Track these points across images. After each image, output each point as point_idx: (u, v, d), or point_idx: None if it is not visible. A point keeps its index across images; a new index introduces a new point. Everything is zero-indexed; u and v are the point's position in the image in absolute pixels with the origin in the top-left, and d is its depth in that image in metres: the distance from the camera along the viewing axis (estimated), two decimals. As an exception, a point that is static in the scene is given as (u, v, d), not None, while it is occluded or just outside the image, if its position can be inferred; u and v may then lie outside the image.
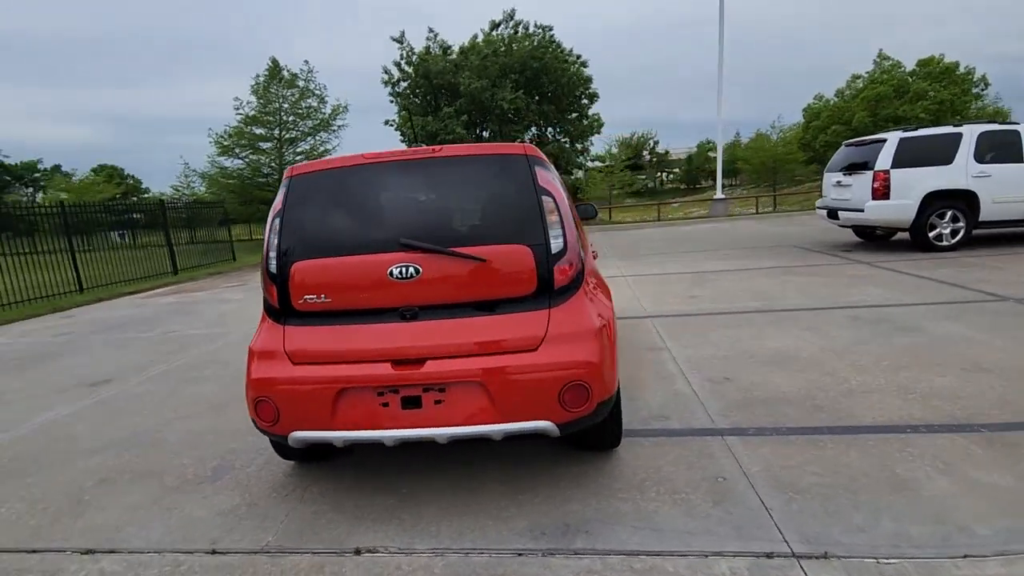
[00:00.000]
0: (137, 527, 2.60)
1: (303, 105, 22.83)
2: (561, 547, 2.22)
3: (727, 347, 4.61)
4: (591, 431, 2.63)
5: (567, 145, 20.81)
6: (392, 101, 19.82)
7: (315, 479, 2.91)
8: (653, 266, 9.50)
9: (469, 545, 2.28)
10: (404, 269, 2.40)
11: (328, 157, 2.55)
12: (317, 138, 23.52)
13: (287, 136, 23.05)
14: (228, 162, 22.79)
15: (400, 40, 18.53)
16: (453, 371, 2.34)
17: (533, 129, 21.12)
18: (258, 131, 22.72)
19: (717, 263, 9.21)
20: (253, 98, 22.49)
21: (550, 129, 21.15)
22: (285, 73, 22.83)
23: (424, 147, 2.55)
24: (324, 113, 23.37)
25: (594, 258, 3.80)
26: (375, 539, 2.36)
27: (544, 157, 2.67)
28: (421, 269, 2.41)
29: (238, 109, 22.14)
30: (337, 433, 2.41)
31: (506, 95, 17.86)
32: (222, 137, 22.08)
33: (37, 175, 55.76)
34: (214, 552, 2.36)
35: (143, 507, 2.77)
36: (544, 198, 2.49)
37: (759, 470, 2.68)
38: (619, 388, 2.68)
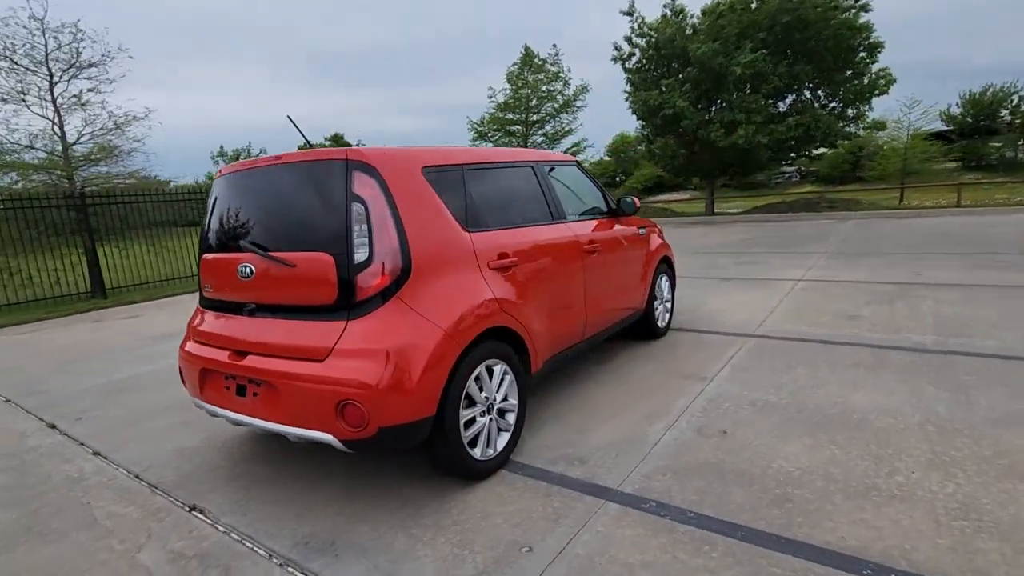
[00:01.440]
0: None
1: (547, 89, 24.04)
2: (304, 562, 2.20)
3: (788, 393, 3.51)
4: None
5: (828, 112, 17.08)
6: (627, 80, 19.28)
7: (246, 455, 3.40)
8: (861, 269, 7.45)
9: (252, 531, 2.43)
10: (243, 269, 2.61)
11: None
12: (559, 119, 24.57)
13: (532, 119, 24.67)
14: (481, 145, 25.64)
15: (630, 12, 17.79)
16: (258, 368, 2.48)
17: (789, 97, 17.97)
18: (509, 116, 24.86)
19: (954, 272, 6.72)
20: (507, 86, 24.64)
21: (809, 94, 17.67)
22: (536, 60, 24.30)
23: (274, 155, 2.67)
24: (566, 95, 24.21)
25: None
26: (208, 503, 2.70)
27: (384, 162, 2.49)
28: (254, 270, 2.58)
29: (491, 98, 24.64)
30: (205, 404, 2.80)
31: (741, 59, 15.58)
32: (476, 124, 24.92)
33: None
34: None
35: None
36: (355, 205, 2.38)
37: (583, 553, 2.12)
38: (442, 415, 2.42)
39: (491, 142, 25.28)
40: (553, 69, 24.26)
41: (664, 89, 17.17)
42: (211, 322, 2.86)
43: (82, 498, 2.84)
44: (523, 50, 24.41)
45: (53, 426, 3.89)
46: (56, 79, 10.88)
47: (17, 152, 10.69)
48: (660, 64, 18.16)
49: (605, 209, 4.21)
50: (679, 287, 7.13)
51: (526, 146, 25.27)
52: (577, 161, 4.22)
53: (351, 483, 2.78)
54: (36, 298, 9.71)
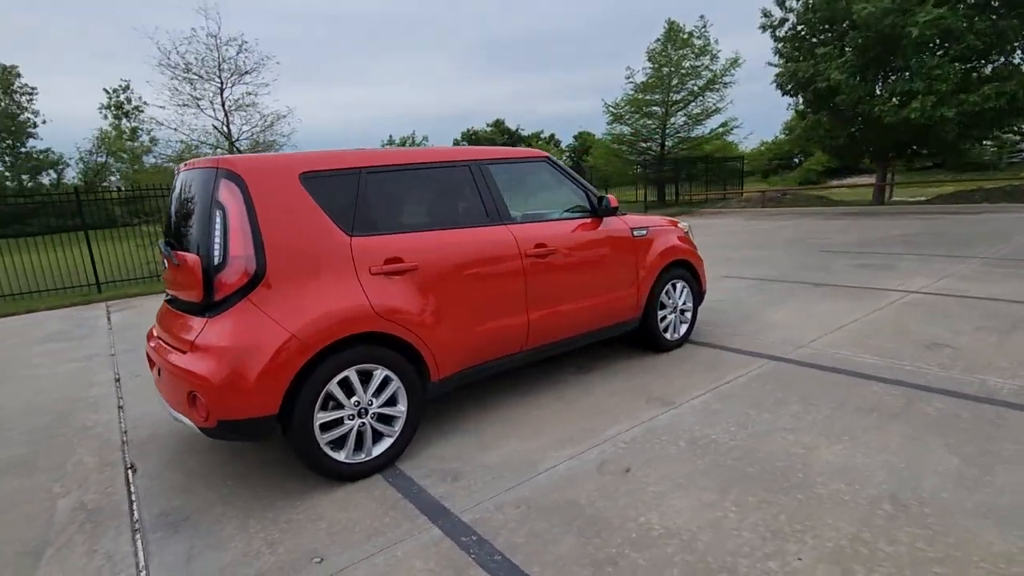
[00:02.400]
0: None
1: (691, 65, 22.27)
2: (150, 532, 2.47)
3: (746, 434, 2.96)
4: None
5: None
6: (774, 51, 16.97)
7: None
8: (1011, 283, 5.85)
9: (145, 494, 2.78)
10: (164, 263, 2.94)
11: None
12: (704, 98, 22.66)
13: (673, 99, 23.12)
14: (617, 128, 24.72)
15: (780, -27, 15.50)
16: (156, 355, 2.80)
17: (991, 59, 14.27)
18: (650, 96, 23.59)
19: None
20: (648, 64, 23.36)
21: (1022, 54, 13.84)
22: (682, 35, 22.65)
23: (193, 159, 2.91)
24: (713, 70, 22.20)
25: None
26: (143, 464, 3.13)
27: (249, 171, 2.58)
28: (167, 265, 2.89)
29: (629, 78, 23.53)
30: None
31: (920, 17, 12.74)
32: (612, 107, 24.03)
33: (539, 143, 72.27)
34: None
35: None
36: (216, 211, 2.53)
37: (361, 575, 2.06)
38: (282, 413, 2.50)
39: (627, 125, 24.32)
40: (699, 43, 22.41)
41: (818, 59, 14.80)
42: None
43: (75, 445, 3.48)
44: (666, 25, 22.91)
45: (117, 379, 4.78)
46: (224, 86, 13.01)
47: (198, 147, 13.05)
48: (817, 29, 15.74)
49: (587, 208, 3.88)
50: (745, 291, 6.31)
51: (664, 128, 23.87)
52: (548, 157, 3.91)
53: (266, 468, 2.99)
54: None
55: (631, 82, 23.65)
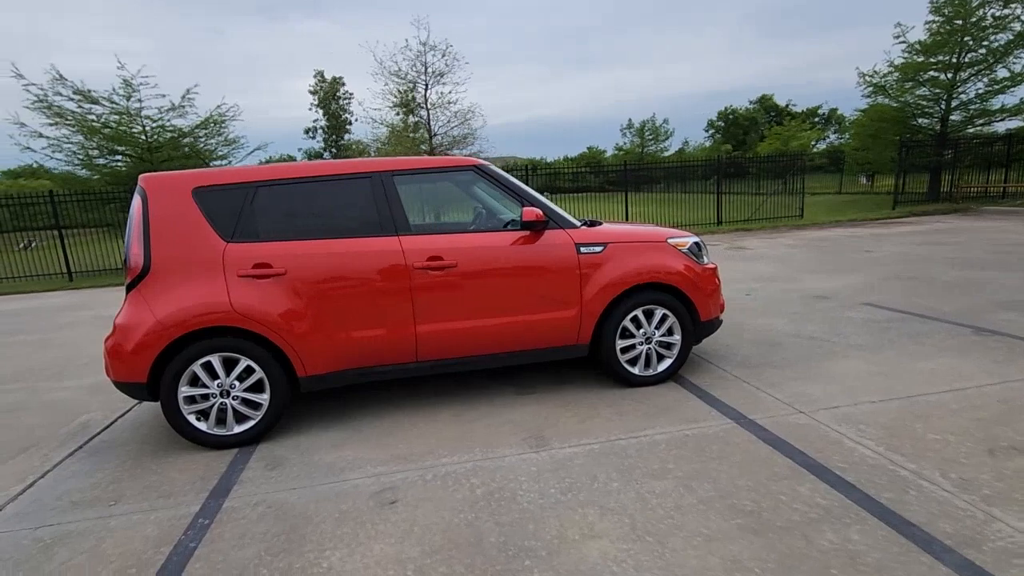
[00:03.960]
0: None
1: (997, 14, 16.54)
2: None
3: (510, 519, 2.53)
4: None
5: None
6: None
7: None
8: None
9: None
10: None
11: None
12: (1011, 60, 16.65)
13: (967, 60, 17.58)
14: (879, 101, 19.87)
15: None
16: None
17: None
18: (933, 59, 18.41)
19: None
20: (933, 17, 18.17)
21: None
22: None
23: None
24: (1031, 17, 16.08)
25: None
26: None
27: (151, 185, 3.19)
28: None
29: (899, 37, 18.54)
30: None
31: None
32: (868, 75, 19.33)
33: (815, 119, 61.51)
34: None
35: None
36: (130, 217, 3.23)
37: (110, 525, 2.55)
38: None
39: (893, 97, 19.43)
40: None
41: None
42: None
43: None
44: (965, -38, 17.41)
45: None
46: (428, 86, 14.91)
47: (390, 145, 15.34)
48: None
49: (517, 220, 3.58)
50: (861, 325, 4.95)
51: (949, 101, 18.48)
52: (476, 166, 3.67)
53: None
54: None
55: (902, 42, 18.76)
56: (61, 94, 12.91)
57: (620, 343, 3.73)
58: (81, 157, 13.64)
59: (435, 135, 15.62)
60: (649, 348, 3.80)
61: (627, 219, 14.91)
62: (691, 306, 3.82)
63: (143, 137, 13.98)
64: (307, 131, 52.19)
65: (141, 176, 3.33)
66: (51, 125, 12.92)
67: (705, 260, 4.04)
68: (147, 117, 13.83)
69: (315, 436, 3.37)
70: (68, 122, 13.04)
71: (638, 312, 3.73)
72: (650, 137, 49.52)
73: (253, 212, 3.30)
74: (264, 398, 3.27)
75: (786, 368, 4.01)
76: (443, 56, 14.84)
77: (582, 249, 3.62)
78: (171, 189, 3.26)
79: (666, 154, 48.25)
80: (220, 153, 15.74)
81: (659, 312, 3.76)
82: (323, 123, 50.94)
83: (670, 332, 3.82)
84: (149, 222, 3.19)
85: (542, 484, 2.67)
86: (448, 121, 15.23)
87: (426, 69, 15.01)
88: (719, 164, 15.90)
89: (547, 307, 3.60)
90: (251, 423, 3.28)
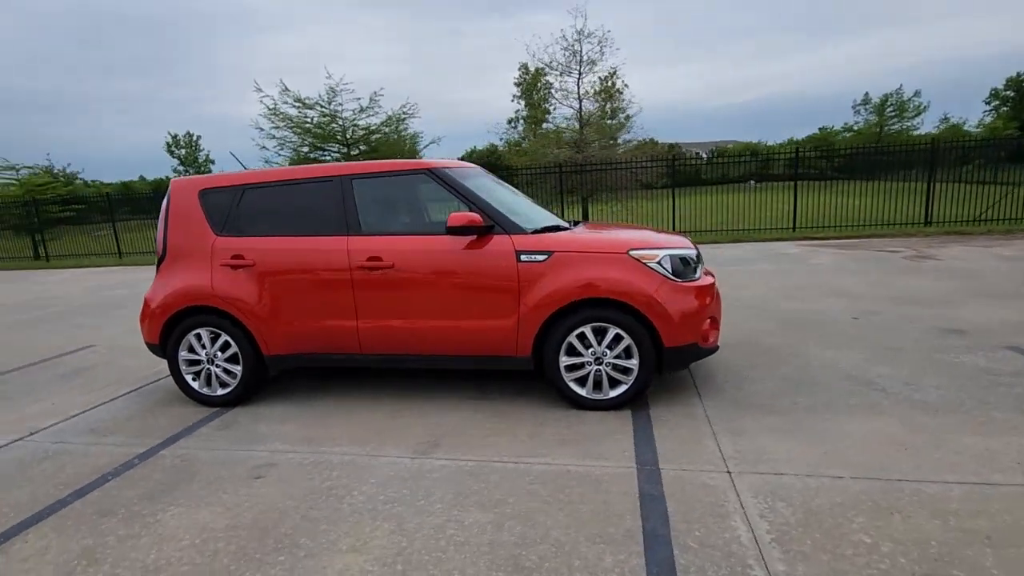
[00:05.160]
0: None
1: None
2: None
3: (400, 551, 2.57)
4: None
5: None
6: None
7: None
8: None
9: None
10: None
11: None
12: None
13: None
14: None
15: None
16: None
17: None
18: None
19: None
20: None
21: None
22: None
23: None
24: None
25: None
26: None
27: (174, 187, 3.91)
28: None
29: None
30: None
31: None
32: None
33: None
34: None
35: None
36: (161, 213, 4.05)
37: (89, 451, 3.34)
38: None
39: None
40: None
41: None
42: None
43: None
44: None
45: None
46: (581, 76, 14.74)
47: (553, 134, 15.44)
48: None
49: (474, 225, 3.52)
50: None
51: None
52: (429, 170, 3.63)
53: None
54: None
55: None
56: (287, 102, 16.09)
57: (567, 360, 3.46)
58: (297, 154, 16.83)
59: (586, 124, 15.47)
60: (600, 370, 3.45)
61: (798, 212, 12.94)
62: (652, 328, 3.35)
63: (342, 135, 16.63)
64: (509, 121, 55.52)
65: (172, 180, 4.15)
66: (274, 128, 16.22)
67: (694, 276, 3.49)
68: (344, 118, 16.40)
69: (277, 409, 3.85)
70: (290, 125, 16.19)
71: (586, 329, 3.40)
72: (892, 113, 41.45)
73: (239, 210, 3.87)
74: (238, 369, 3.85)
75: (780, 415, 3.27)
76: (599, 44, 14.58)
77: (523, 257, 3.44)
78: (185, 190, 3.99)
79: (915, 133, 39.90)
80: (402, 147, 17.87)
81: (612, 331, 3.38)
82: (524, 113, 53.56)
83: (628, 355, 3.41)
84: (168, 217, 3.98)
85: (380, 490, 2.70)
86: (603, 107, 14.91)
87: (580, 58, 14.92)
88: (935, 148, 12.69)
89: (483, 314, 3.51)
90: (228, 389, 3.89)
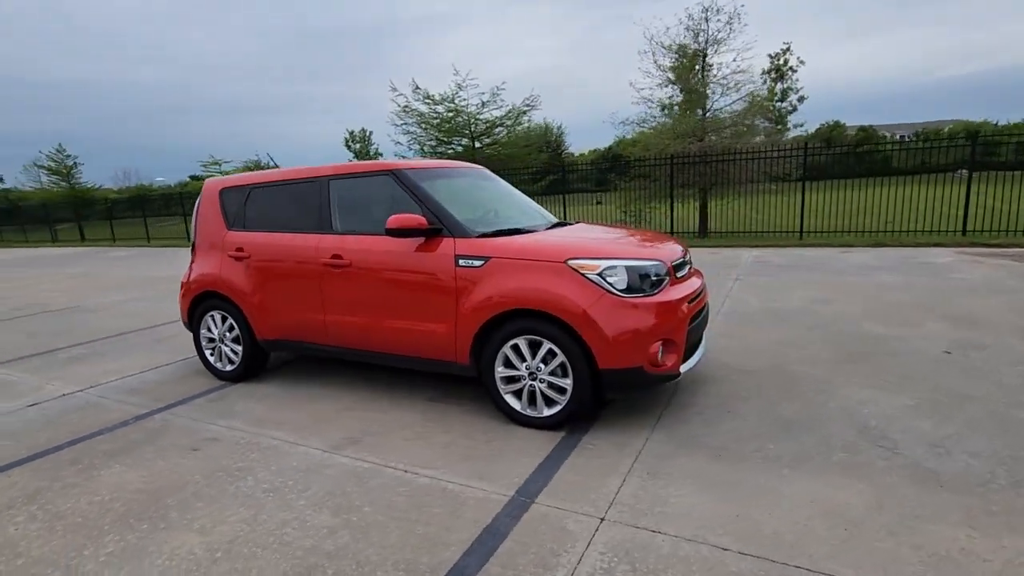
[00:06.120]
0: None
1: None
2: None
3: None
4: None
5: None
6: None
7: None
8: None
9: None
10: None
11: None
12: None
13: None
14: None
15: None
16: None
17: None
18: None
19: None
20: None
21: None
22: None
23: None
24: None
25: None
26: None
27: (205, 186, 4.44)
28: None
29: None
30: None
31: None
32: None
33: None
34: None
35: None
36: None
37: (112, 407, 4.03)
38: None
39: None
40: None
41: None
42: None
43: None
44: None
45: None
46: (708, 55, 13.47)
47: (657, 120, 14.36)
48: None
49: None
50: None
51: None
52: (392, 171, 3.60)
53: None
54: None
55: None
56: (418, 99, 17.22)
57: (504, 371, 3.30)
58: (426, 148, 17.95)
59: (710, 111, 14.12)
60: (534, 385, 3.23)
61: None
62: (585, 347, 3.04)
63: (467, 129, 17.34)
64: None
65: (205, 181, 4.73)
66: (403, 124, 17.46)
67: (651, 291, 3.09)
68: (468, 112, 17.05)
69: (266, 389, 4.23)
70: (419, 122, 17.32)
71: (520, 341, 3.21)
72: None
73: (245, 208, 4.29)
74: (239, 350, 4.31)
75: (727, 463, 2.78)
76: (728, 21, 13.12)
77: (461, 261, 3.34)
78: (211, 190, 4.53)
79: None
80: (519, 140, 18.09)
81: (547, 346, 3.15)
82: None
83: (564, 373, 3.15)
84: (198, 212, 4.56)
85: (273, 477, 2.86)
86: (734, 88, 13.47)
87: (706, 39, 13.59)
88: None
89: (425, 317, 3.49)
90: (233, 367, 4.37)
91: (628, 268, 3.10)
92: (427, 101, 17.36)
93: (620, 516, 2.37)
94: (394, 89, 17.26)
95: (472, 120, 17.33)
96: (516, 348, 3.23)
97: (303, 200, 4.06)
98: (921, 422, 3.12)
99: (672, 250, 3.54)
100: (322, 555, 2.22)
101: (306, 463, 3.01)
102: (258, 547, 2.29)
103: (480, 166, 4.79)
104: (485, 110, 17.24)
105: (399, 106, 17.24)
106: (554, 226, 4.03)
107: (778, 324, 5.28)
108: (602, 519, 2.36)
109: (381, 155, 54.18)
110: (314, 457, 3.08)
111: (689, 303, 3.30)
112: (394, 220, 3.39)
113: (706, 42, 13.93)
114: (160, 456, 3.18)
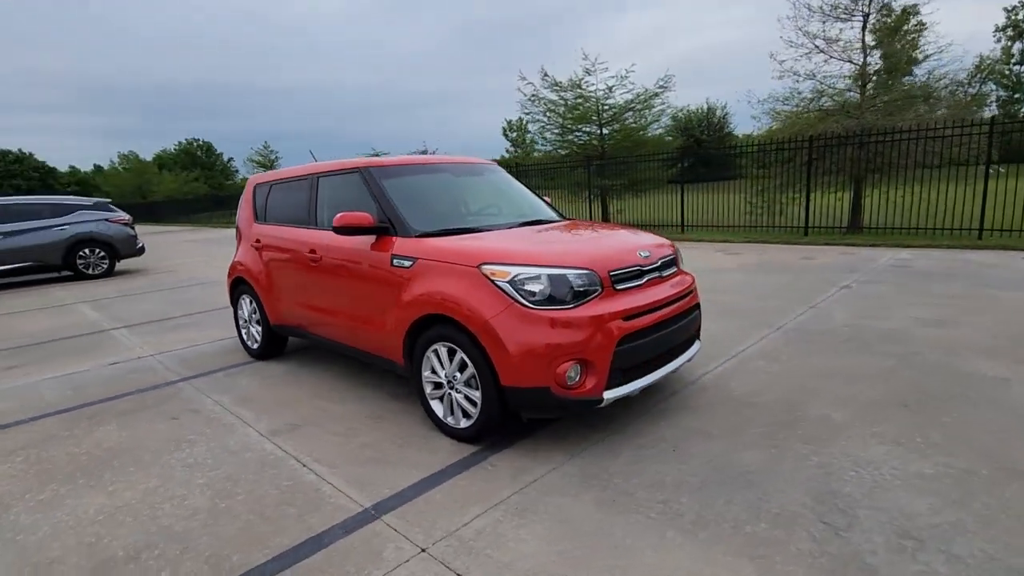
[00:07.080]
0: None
1: None
2: (248, 336, 5.84)
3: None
4: None
5: None
6: None
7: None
8: None
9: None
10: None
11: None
12: None
13: None
14: None
15: None
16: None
17: None
18: None
19: None
20: None
21: None
22: None
23: None
24: None
25: None
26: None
27: (249, 182, 4.94)
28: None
29: None
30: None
31: None
32: None
33: None
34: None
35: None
36: (244, 203, 5.22)
37: (159, 372, 4.76)
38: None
39: None
40: None
41: None
42: None
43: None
44: None
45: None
46: (870, 21, 11.22)
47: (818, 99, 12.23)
48: None
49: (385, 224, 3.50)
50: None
51: None
52: (360, 170, 3.59)
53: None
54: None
55: None
56: (546, 87, 17.14)
57: (431, 376, 3.21)
58: (550, 136, 17.86)
59: (870, 82, 11.70)
60: (451, 394, 3.09)
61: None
62: (491, 359, 2.81)
63: (596, 115, 16.83)
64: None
65: (250, 177, 5.26)
66: (528, 113, 17.52)
67: (572, 304, 2.77)
68: (596, 98, 16.51)
69: (275, 369, 4.62)
70: (545, 111, 17.24)
71: (440, 347, 3.08)
72: None
73: (267, 202, 4.71)
74: (259, 330, 4.78)
75: (608, 511, 2.39)
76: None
77: (395, 261, 3.29)
78: (249, 185, 5.04)
79: None
80: (645, 124, 17.02)
81: (459, 355, 2.98)
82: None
83: (476, 385, 2.96)
84: (241, 205, 5.11)
85: (201, 452, 3.14)
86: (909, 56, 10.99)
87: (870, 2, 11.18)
88: None
89: (370, 315, 3.52)
90: (257, 345, 4.87)
91: (547, 276, 2.78)
92: (555, 88, 17.21)
93: (442, 552, 2.18)
94: (523, 78, 17.41)
95: (599, 106, 16.78)
96: (438, 353, 3.11)
97: (300, 197, 4.33)
98: (919, 498, 2.34)
99: (627, 254, 3.09)
100: (166, 535, 2.39)
101: (238, 444, 3.25)
102: (131, 516, 2.55)
103: (490, 162, 4.65)
104: (614, 94, 16.57)
105: (525, 95, 17.35)
106: (534, 223, 3.77)
107: (844, 350, 4.32)
108: (423, 550, 2.19)
109: (536, 143, 55.17)
110: (249, 439, 3.31)
111: (632, 317, 2.87)
112: (339, 218, 3.43)
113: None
114: (148, 420, 3.68)
